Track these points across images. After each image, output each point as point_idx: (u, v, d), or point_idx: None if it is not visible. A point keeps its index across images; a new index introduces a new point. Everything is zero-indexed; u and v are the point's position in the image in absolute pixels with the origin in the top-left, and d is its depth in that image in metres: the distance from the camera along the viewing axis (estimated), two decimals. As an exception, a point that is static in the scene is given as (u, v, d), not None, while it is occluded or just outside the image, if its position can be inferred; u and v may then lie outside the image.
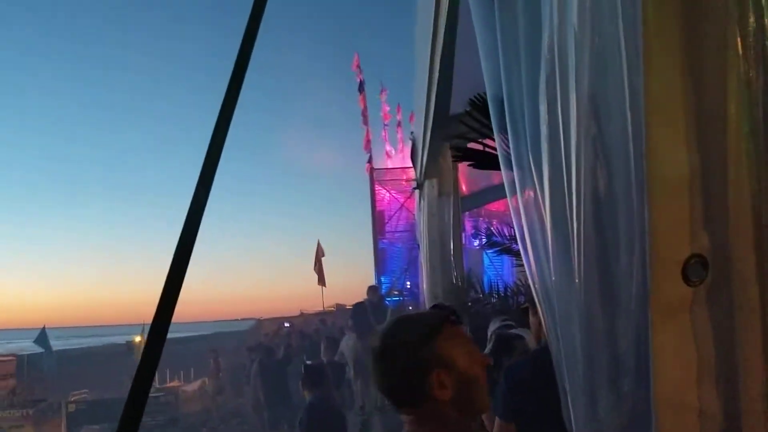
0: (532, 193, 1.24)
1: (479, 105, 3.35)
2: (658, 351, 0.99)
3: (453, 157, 4.89)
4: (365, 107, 20.02)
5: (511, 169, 1.38)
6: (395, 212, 17.88)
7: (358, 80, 19.71)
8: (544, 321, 1.26)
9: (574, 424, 1.17)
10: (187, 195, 1.57)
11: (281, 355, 12.60)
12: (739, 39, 0.95)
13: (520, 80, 1.28)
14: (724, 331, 1.00)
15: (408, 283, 16.89)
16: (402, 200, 17.46)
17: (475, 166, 3.85)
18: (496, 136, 1.61)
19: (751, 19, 0.95)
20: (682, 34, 0.96)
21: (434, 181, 6.64)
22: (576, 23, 1.10)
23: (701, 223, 0.98)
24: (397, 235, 17.98)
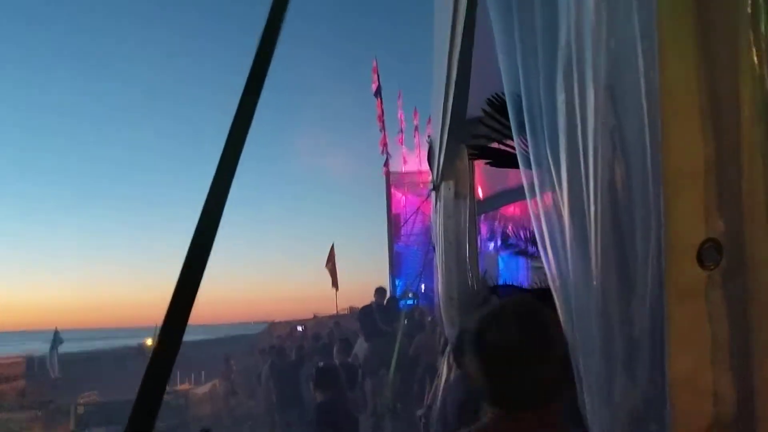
0: (550, 187, 1.27)
1: (497, 105, 3.37)
2: (673, 334, 1.01)
3: (470, 155, 4.91)
4: (382, 111, 20.11)
5: (530, 167, 1.40)
6: (411, 215, 17.91)
7: (375, 85, 19.80)
8: (560, 310, 1.28)
9: (588, 409, 1.19)
10: (203, 197, 1.51)
11: (293, 357, 12.65)
12: (751, 29, 0.98)
13: (538, 76, 1.31)
14: (738, 315, 1.02)
15: (423, 286, 16.89)
16: (418, 203, 17.49)
17: (492, 164, 3.86)
18: (514, 134, 1.63)
19: (765, 8, 0.98)
20: (696, 25, 0.99)
21: (451, 182, 6.66)
22: (593, 17, 1.13)
23: (716, 209, 1.01)
24: (412, 238, 18.01)
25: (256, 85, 1.64)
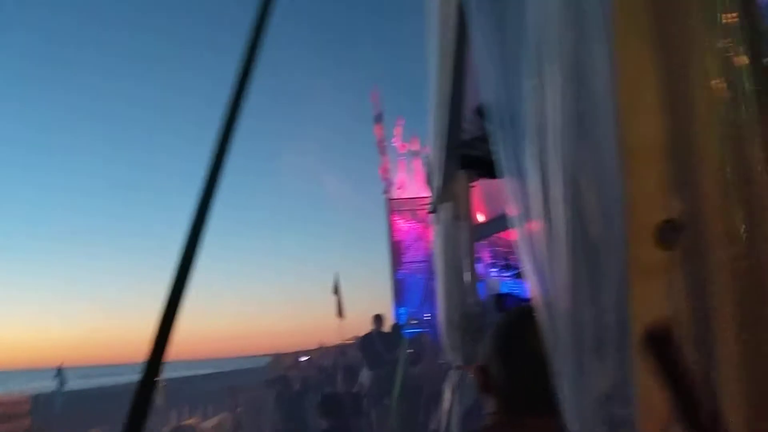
0: (521, 179, 1.30)
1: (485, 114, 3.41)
2: (635, 313, 1.03)
3: (463, 165, 4.91)
4: (382, 137, 20.26)
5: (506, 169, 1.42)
6: (413, 242, 17.92)
7: (376, 111, 19.98)
8: (533, 296, 1.30)
9: (561, 394, 1.20)
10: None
11: (298, 387, 12.59)
12: (706, 8, 1.01)
13: (505, 72, 1.35)
14: (698, 295, 1.04)
15: (428, 314, 16.81)
16: (420, 230, 17.50)
17: (483, 175, 3.87)
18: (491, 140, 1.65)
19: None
20: (650, 4, 1.02)
21: (449, 204, 6.67)
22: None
23: (674, 189, 1.03)
24: (415, 265, 17.97)
25: (237, 107, 1.67)
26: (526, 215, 1.26)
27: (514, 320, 1.51)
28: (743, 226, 1.06)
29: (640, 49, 1.01)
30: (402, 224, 18.38)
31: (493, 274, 12.93)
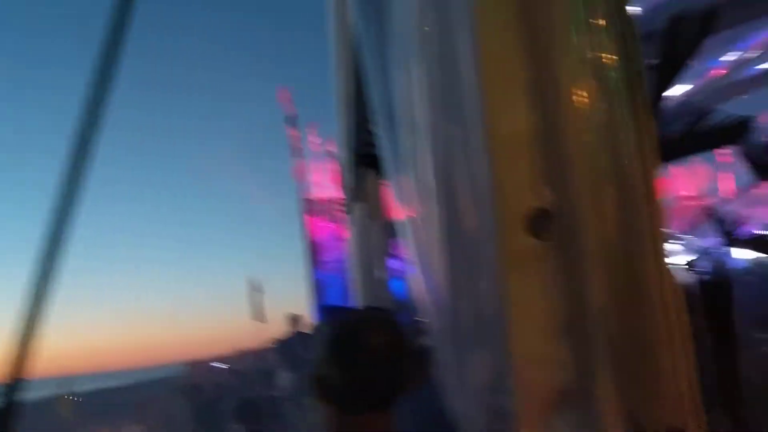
0: (400, 173, 1.28)
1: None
2: (509, 303, 1.03)
3: (371, 165, 4.90)
4: (296, 138, 20.04)
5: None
6: (330, 242, 17.83)
7: (289, 112, 19.73)
8: (414, 292, 1.29)
9: (446, 389, 1.19)
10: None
11: (214, 394, 12.29)
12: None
13: (381, 71, 1.33)
14: (572, 281, 1.05)
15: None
16: (337, 230, 17.44)
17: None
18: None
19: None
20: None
21: (361, 204, 6.68)
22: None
23: (544, 178, 1.04)
24: (333, 265, 17.89)
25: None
26: (407, 209, 1.24)
27: (346, 324, 1.54)
28: (613, 214, 1.08)
29: (505, 42, 1.02)
30: (319, 225, 18.27)
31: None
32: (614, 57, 1.06)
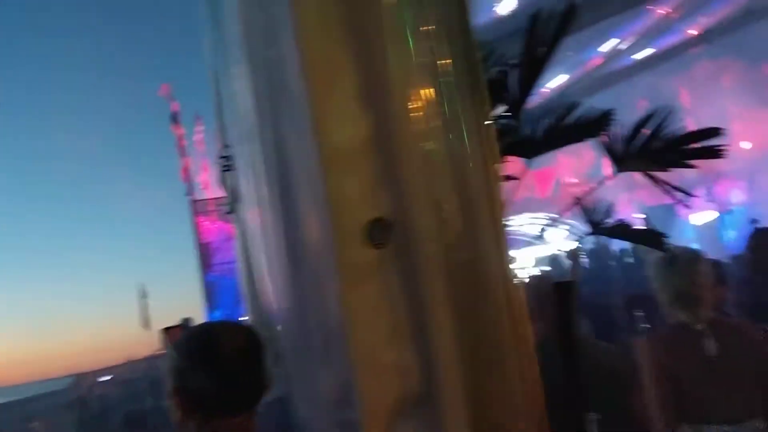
0: (243, 182, 1.24)
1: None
2: (350, 314, 1.01)
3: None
4: (181, 137, 19.30)
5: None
6: (222, 243, 17.35)
7: (173, 110, 18.96)
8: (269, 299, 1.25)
9: (295, 401, 1.17)
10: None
11: (99, 407, 11.67)
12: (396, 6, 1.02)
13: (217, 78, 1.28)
14: (413, 289, 1.05)
15: (243, 315, 16.36)
16: (228, 230, 16.99)
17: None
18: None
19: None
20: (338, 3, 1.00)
21: (242, 204, 6.51)
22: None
23: (381, 187, 1.03)
24: (225, 266, 17.43)
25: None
26: (253, 218, 1.21)
27: (203, 333, 1.54)
28: (454, 220, 1.10)
29: (329, 47, 0.99)
30: (209, 225, 17.72)
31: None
32: (449, 61, 1.07)
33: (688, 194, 1.89)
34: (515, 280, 1.16)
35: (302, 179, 1.06)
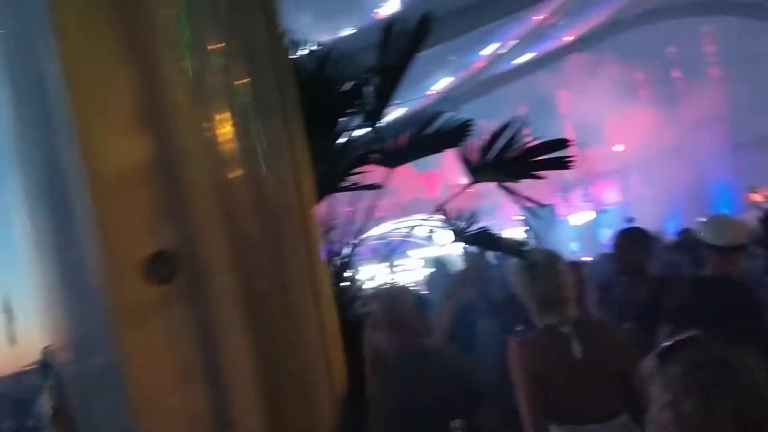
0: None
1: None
2: (129, 357, 0.91)
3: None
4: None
5: None
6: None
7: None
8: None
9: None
10: None
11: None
12: (174, 26, 0.93)
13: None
14: (207, 326, 0.97)
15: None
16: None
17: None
18: None
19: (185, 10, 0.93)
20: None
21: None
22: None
23: (164, 218, 0.93)
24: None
25: None
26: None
27: None
28: (257, 248, 1.02)
29: (96, 64, 0.88)
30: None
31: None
32: (247, 81, 1.00)
33: (540, 204, 1.92)
34: (331, 307, 1.10)
35: (70, 212, 0.93)
